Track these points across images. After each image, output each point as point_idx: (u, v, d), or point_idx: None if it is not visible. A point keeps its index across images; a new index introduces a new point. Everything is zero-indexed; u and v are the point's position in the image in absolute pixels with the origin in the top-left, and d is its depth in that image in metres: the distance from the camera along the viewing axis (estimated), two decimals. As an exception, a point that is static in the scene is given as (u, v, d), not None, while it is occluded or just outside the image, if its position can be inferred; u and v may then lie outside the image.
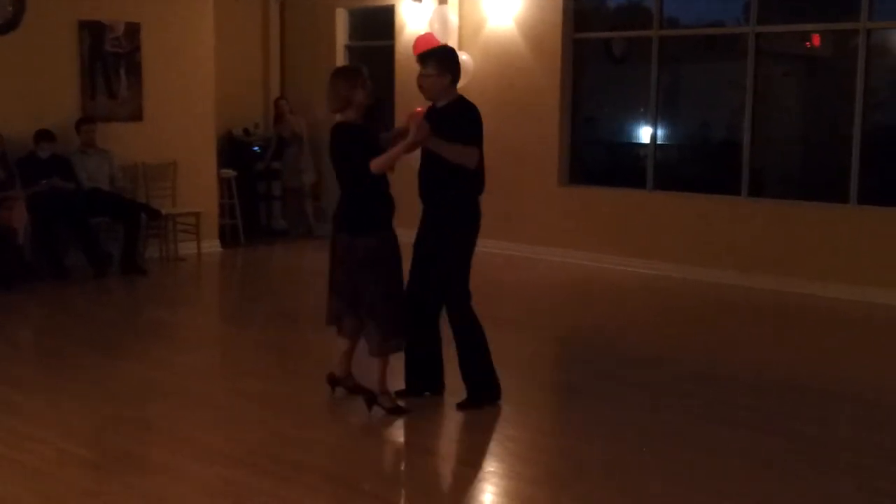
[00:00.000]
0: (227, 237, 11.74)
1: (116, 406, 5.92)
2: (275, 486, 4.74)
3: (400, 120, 11.43)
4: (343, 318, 5.88)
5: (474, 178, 5.74)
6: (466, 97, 5.84)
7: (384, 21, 12.29)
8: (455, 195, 5.72)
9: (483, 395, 5.89)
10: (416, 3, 11.76)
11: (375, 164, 5.48)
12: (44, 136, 9.52)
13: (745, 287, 9.45)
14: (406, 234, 5.83)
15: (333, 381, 6.05)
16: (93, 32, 10.17)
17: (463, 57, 11.18)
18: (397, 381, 5.97)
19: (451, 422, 5.82)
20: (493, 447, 5.45)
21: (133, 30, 10.45)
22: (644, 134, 10.73)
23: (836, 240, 9.16)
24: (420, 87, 5.80)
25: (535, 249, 11.09)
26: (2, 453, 5.13)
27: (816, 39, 9.99)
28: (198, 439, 5.41)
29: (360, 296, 5.66)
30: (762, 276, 9.47)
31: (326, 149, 5.98)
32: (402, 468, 5.21)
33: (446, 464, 5.21)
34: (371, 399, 5.77)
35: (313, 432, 5.55)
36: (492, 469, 5.14)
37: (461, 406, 5.85)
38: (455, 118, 5.64)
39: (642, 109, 10.70)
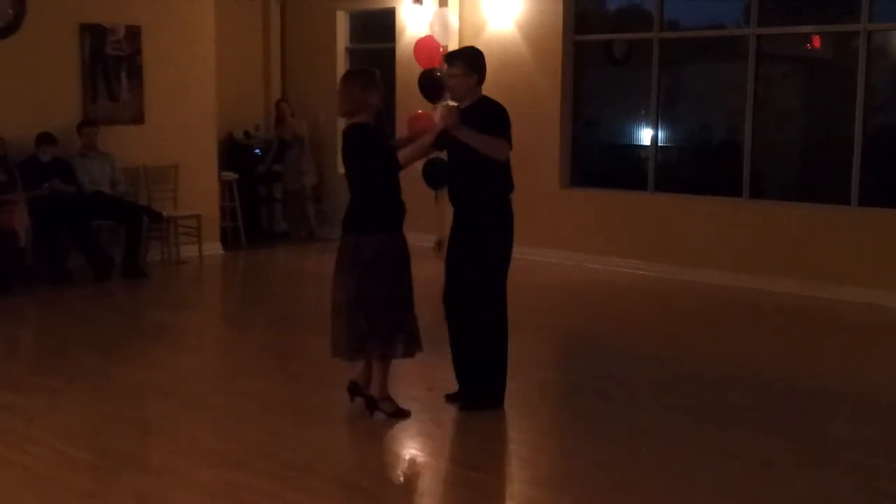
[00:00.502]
0: (229, 240, 11.75)
1: (116, 408, 5.93)
2: (276, 487, 4.74)
3: (401, 121, 11.45)
4: (367, 341, 5.60)
5: (503, 177, 5.77)
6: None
7: (385, 24, 12.30)
8: (486, 196, 5.74)
9: (488, 398, 5.85)
10: (417, 6, 11.76)
11: (403, 156, 5.49)
12: (45, 139, 9.53)
13: (745, 288, 9.44)
14: (416, 237, 5.77)
15: (355, 391, 5.84)
16: (94, 35, 10.18)
17: (464, 59, 11.21)
18: (395, 386, 5.97)
19: (452, 424, 5.82)
20: (495, 449, 5.45)
21: (134, 33, 10.46)
22: (645, 136, 10.73)
23: (837, 241, 9.15)
24: (447, 86, 5.86)
25: (536, 251, 11.07)
26: (1, 455, 5.14)
27: (817, 41, 9.99)
28: (198, 441, 5.41)
29: (363, 298, 5.56)
30: (763, 278, 9.47)
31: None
32: (404, 470, 5.20)
33: (448, 466, 5.20)
34: (373, 404, 5.74)
35: (314, 434, 5.55)
36: (494, 472, 5.14)
37: (465, 407, 5.83)
38: (482, 115, 5.65)
39: (643, 111, 10.70)
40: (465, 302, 5.80)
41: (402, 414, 5.71)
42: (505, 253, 5.86)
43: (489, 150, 5.57)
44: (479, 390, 5.86)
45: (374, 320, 5.55)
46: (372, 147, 5.55)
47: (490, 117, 5.66)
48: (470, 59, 5.73)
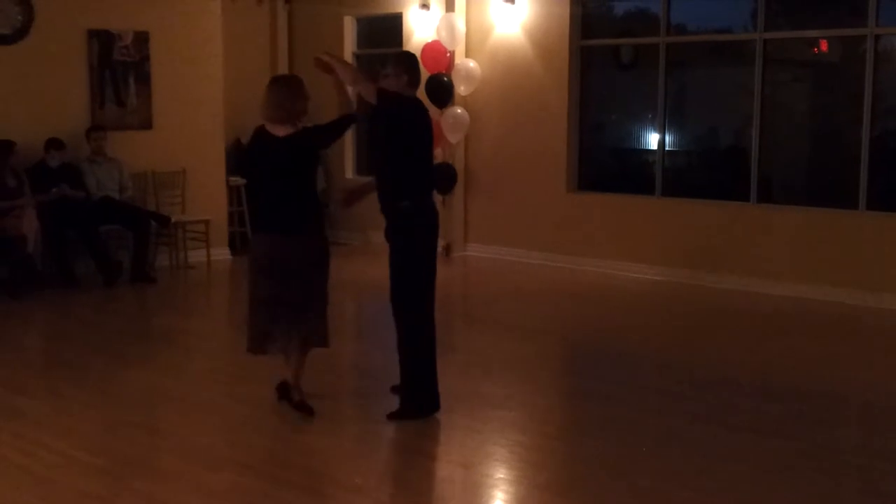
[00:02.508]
0: (237, 245, 11.76)
1: (125, 412, 5.95)
2: (283, 491, 4.75)
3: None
4: (274, 335, 5.83)
5: (409, 180, 5.78)
6: (423, 102, 5.94)
7: (392, 29, 12.32)
8: (394, 198, 5.77)
9: (409, 408, 5.80)
10: (424, 11, 11.79)
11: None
12: (54, 144, 9.57)
13: (753, 293, 9.43)
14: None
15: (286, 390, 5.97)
16: (102, 41, 10.21)
17: (470, 64, 11.24)
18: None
19: (459, 428, 5.82)
20: (503, 453, 5.44)
21: (142, 38, 10.50)
22: (652, 140, 10.73)
23: (845, 245, 9.14)
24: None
25: (542, 256, 11.09)
26: (10, 459, 5.16)
27: (824, 45, 9.97)
28: (206, 445, 5.42)
29: (305, 296, 5.76)
30: (770, 282, 9.46)
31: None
32: (410, 474, 5.20)
33: (455, 470, 5.21)
34: (285, 390, 5.91)
35: (321, 439, 5.56)
36: (502, 475, 5.14)
37: (390, 416, 5.78)
38: (393, 110, 5.72)
39: (650, 116, 10.70)
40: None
41: (307, 409, 5.76)
42: (412, 257, 5.80)
43: (355, 83, 5.80)
44: (403, 399, 5.83)
45: (317, 312, 5.85)
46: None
47: (395, 114, 5.73)
48: (400, 60, 5.91)
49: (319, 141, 6.01)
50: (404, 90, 5.80)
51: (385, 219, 5.82)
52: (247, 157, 6.19)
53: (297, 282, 5.75)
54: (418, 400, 5.81)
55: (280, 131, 5.86)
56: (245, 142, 12.48)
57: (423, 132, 5.87)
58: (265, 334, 5.84)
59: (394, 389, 5.98)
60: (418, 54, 11.32)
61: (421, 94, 11.00)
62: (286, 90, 6.01)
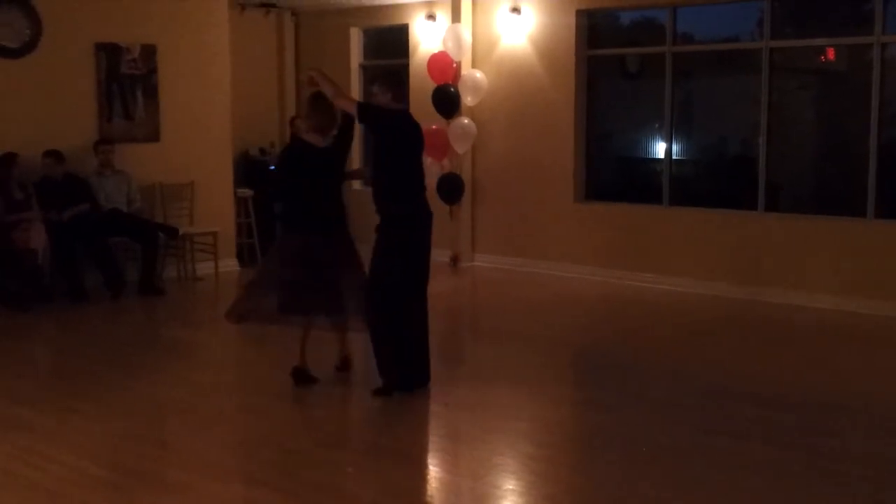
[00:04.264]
0: (245, 256, 11.78)
1: (133, 425, 5.95)
2: (291, 504, 4.76)
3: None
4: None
5: (391, 185, 6.39)
6: (412, 115, 6.57)
7: (398, 40, 12.35)
8: (388, 202, 6.39)
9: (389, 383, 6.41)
10: (430, 22, 11.82)
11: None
12: (52, 155, 9.53)
13: (761, 302, 9.42)
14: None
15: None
16: (109, 54, 10.25)
17: (477, 75, 11.26)
18: (412, 399, 5.95)
19: (467, 438, 5.82)
20: (511, 464, 5.44)
21: (149, 51, 10.54)
22: (659, 149, 10.73)
23: (853, 254, 9.12)
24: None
25: (550, 266, 11.09)
26: (19, 472, 5.16)
27: (831, 53, 9.97)
28: (215, 458, 5.43)
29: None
30: (779, 291, 9.44)
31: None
32: (419, 486, 5.19)
33: (465, 482, 5.19)
34: (300, 375, 6.63)
35: (331, 451, 5.56)
36: (510, 487, 5.13)
37: (375, 392, 6.40)
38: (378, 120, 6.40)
39: (657, 125, 10.70)
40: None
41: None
42: (396, 251, 6.33)
43: (337, 97, 6.44)
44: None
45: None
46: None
47: (382, 126, 6.40)
48: (384, 80, 6.51)
49: (348, 147, 6.85)
50: (390, 105, 6.38)
51: (380, 219, 6.37)
52: (290, 163, 6.83)
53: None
54: (392, 377, 6.35)
55: (321, 142, 6.66)
56: (279, 151, 12.62)
57: (410, 140, 6.45)
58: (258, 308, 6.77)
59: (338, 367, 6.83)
60: (424, 65, 11.41)
61: (428, 104, 11.11)
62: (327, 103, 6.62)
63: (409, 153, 6.45)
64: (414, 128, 6.48)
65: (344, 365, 6.92)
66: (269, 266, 6.85)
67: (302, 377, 6.64)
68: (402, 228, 6.34)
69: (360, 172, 6.98)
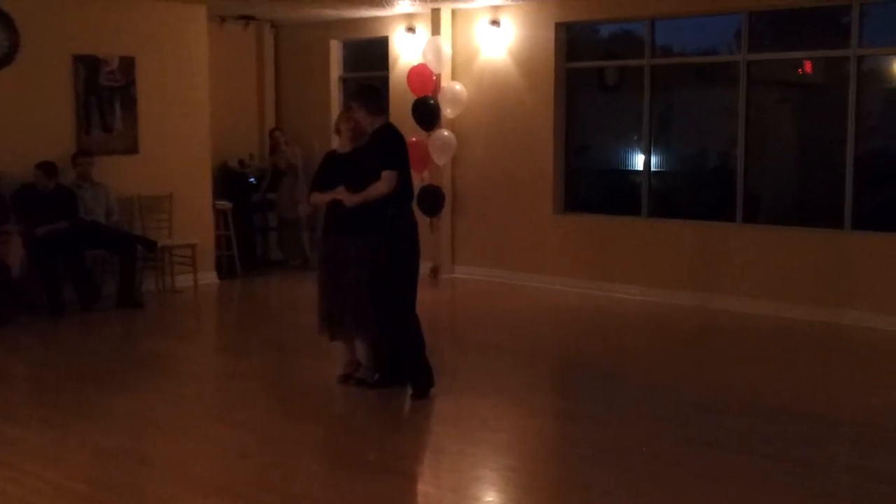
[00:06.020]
0: (224, 269, 11.75)
1: (113, 439, 5.91)
2: (273, 517, 4.73)
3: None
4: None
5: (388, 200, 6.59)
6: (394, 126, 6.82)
7: (378, 52, 12.37)
8: (383, 208, 6.64)
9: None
10: (410, 35, 11.83)
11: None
12: (44, 168, 9.48)
13: (740, 313, 9.46)
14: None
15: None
16: (88, 66, 10.21)
17: (457, 87, 11.28)
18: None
19: (448, 451, 5.82)
20: (492, 477, 5.43)
21: (128, 63, 10.50)
22: (638, 161, 10.78)
23: (831, 265, 9.18)
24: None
25: (530, 277, 11.11)
26: (-2, 488, 5.12)
27: (808, 66, 10.05)
28: (195, 472, 5.39)
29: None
30: (758, 302, 9.49)
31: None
32: (400, 500, 5.18)
33: (445, 495, 5.18)
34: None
35: (310, 464, 5.54)
36: (491, 499, 5.13)
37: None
38: (376, 145, 6.67)
39: (636, 137, 10.75)
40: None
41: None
42: (400, 256, 6.64)
43: (375, 196, 6.52)
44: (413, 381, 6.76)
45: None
46: None
47: (382, 149, 6.62)
48: (358, 96, 6.80)
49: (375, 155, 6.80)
50: (371, 120, 6.67)
51: (369, 226, 6.57)
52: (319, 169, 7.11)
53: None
54: (425, 376, 6.66)
55: (345, 148, 6.92)
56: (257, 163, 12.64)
57: (404, 151, 6.74)
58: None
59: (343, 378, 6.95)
60: (404, 77, 11.42)
61: (408, 116, 11.12)
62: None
63: (406, 164, 6.71)
64: (402, 139, 6.77)
65: (356, 369, 7.00)
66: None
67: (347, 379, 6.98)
68: (407, 237, 6.64)
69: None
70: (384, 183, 6.49)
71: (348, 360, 6.98)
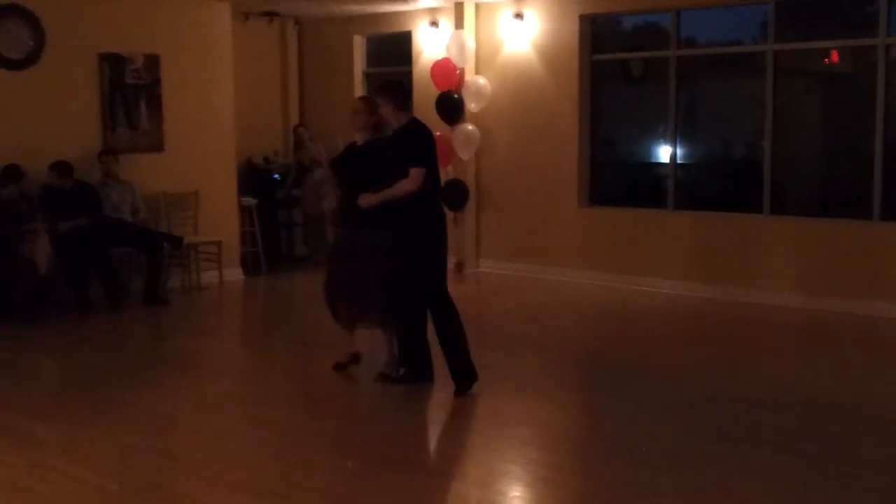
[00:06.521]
0: (249, 265, 11.77)
1: (139, 436, 5.93)
2: (299, 514, 4.73)
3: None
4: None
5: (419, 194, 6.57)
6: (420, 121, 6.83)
7: (401, 47, 12.35)
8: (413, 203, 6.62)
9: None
10: (433, 29, 11.81)
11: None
12: (58, 169, 9.51)
13: (768, 305, 9.39)
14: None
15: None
16: (113, 65, 10.25)
17: (480, 81, 11.25)
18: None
19: (475, 446, 5.80)
20: (519, 472, 5.41)
21: (153, 61, 10.54)
22: (664, 153, 10.70)
23: (860, 256, 9.09)
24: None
25: (555, 271, 11.06)
26: (24, 484, 5.15)
27: (835, 56, 9.94)
28: (221, 469, 5.40)
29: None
30: (786, 294, 9.41)
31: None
32: (427, 495, 5.16)
33: (472, 489, 5.17)
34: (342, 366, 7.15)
35: (335, 460, 5.53)
36: (517, 494, 5.11)
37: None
38: (402, 141, 6.64)
39: (661, 129, 10.68)
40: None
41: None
42: (435, 249, 6.69)
43: (402, 194, 6.48)
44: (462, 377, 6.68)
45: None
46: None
47: (409, 143, 6.59)
48: (383, 92, 6.73)
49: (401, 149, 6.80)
50: (397, 115, 6.62)
51: (401, 221, 6.55)
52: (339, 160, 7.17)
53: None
54: (470, 370, 6.64)
55: (360, 140, 6.94)
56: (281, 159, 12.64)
57: (432, 145, 6.70)
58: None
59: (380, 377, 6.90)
60: (428, 72, 11.40)
61: (431, 110, 11.10)
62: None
63: (434, 160, 6.69)
64: (430, 134, 6.76)
65: (353, 360, 7.16)
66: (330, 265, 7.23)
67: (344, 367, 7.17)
68: (438, 231, 6.63)
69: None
70: (412, 181, 6.45)
71: (350, 351, 7.16)
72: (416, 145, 6.59)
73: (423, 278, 6.61)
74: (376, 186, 6.56)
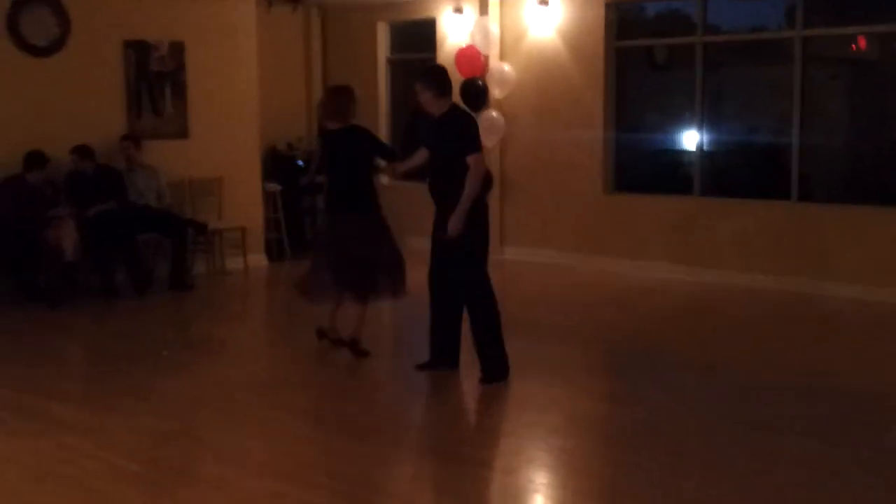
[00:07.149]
0: (273, 251, 11.80)
1: (166, 421, 5.95)
2: (323, 498, 4.73)
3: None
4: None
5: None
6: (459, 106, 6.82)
7: (425, 34, 12.31)
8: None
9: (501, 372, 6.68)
10: (458, 15, 11.77)
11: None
12: (80, 152, 9.55)
13: (795, 292, 9.32)
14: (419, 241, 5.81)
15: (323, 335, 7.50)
16: (138, 52, 10.27)
17: (505, 68, 11.21)
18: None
19: (501, 433, 5.79)
20: (545, 458, 5.40)
21: (177, 48, 10.55)
22: (690, 140, 10.64)
23: (888, 243, 9.01)
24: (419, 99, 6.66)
25: (580, 258, 11.03)
26: (53, 469, 5.18)
27: (862, 42, 9.85)
28: (247, 453, 5.42)
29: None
30: (813, 282, 9.34)
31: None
32: (451, 481, 5.15)
33: (499, 476, 5.16)
34: (322, 333, 7.50)
35: (360, 445, 5.53)
36: (544, 481, 5.10)
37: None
38: (450, 127, 6.54)
39: (687, 116, 10.61)
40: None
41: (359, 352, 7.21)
42: (481, 238, 6.60)
43: (475, 194, 6.39)
44: (490, 366, 6.55)
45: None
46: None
47: (458, 130, 6.47)
48: (424, 77, 6.58)
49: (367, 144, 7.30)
50: (438, 102, 6.49)
51: (445, 212, 6.41)
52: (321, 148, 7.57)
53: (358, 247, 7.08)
54: (502, 362, 6.57)
55: (337, 126, 7.17)
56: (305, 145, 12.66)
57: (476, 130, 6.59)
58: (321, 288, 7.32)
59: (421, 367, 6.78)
60: (452, 58, 11.37)
61: (456, 97, 10.99)
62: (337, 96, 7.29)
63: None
64: (475, 119, 6.74)
65: (351, 344, 7.27)
66: (315, 246, 7.70)
67: (323, 335, 7.51)
68: (480, 218, 6.54)
69: (389, 168, 7.47)
70: (475, 170, 6.32)
71: (330, 324, 7.43)
72: (468, 132, 6.44)
73: (464, 265, 6.47)
74: (356, 172, 7.06)
